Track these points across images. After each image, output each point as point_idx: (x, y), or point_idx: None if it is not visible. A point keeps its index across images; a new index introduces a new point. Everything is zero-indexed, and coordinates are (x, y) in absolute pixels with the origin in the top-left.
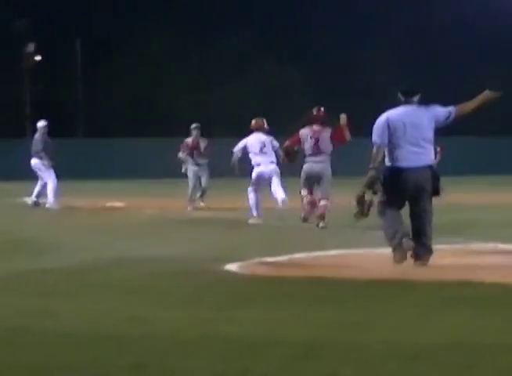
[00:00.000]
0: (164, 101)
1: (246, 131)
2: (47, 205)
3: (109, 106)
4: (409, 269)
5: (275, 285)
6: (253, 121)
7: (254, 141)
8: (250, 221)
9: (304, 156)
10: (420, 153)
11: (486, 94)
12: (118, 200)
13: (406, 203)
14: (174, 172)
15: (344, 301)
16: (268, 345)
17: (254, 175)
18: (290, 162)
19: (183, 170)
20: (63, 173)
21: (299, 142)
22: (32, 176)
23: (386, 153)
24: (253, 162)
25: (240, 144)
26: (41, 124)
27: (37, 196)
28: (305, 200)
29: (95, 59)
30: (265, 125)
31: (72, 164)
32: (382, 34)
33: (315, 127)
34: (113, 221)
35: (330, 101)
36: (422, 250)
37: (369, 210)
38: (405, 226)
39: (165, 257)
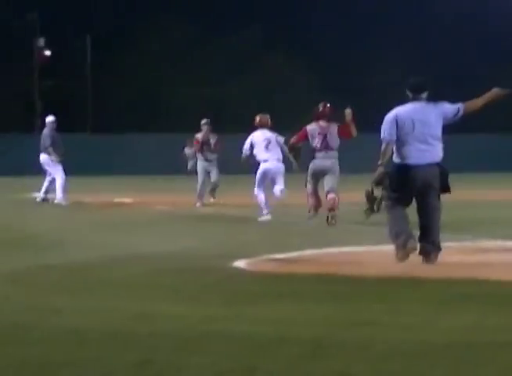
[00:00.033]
0: (173, 96)
1: (250, 128)
2: (55, 201)
3: (117, 102)
4: (418, 266)
5: (283, 282)
6: (257, 118)
7: (260, 138)
8: (260, 219)
9: (314, 151)
10: (428, 150)
11: (495, 91)
12: (126, 196)
13: (413, 200)
14: (182, 168)
15: (353, 299)
16: (276, 342)
17: (260, 171)
18: (293, 158)
19: (189, 167)
20: (72, 169)
21: (305, 138)
22: (42, 171)
23: (394, 150)
24: (259, 158)
25: (247, 143)
26: (49, 119)
27: (46, 192)
28: (309, 196)
29: (105, 55)
30: (269, 122)
31: (81, 159)
32: (390, 33)
33: (322, 123)
34: (120, 217)
35: (338, 98)
36: (430, 247)
37: (379, 206)
38: (411, 228)
39: (172, 253)
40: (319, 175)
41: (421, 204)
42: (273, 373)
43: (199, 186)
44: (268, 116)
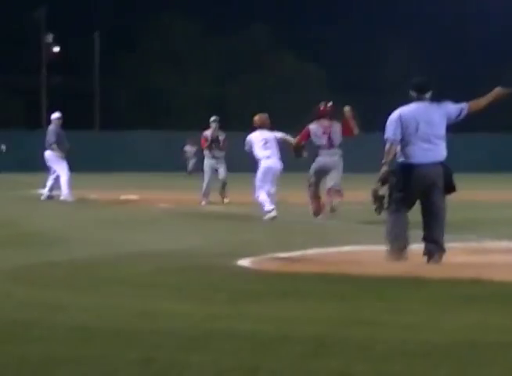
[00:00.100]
0: (180, 94)
1: (250, 128)
2: (61, 198)
3: (125, 99)
4: (421, 266)
5: (287, 281)
6: (256, 117)
7: (258, 138)
8: (266, 217)
9: (317, 149)
10: (432, 150)
11: (498, 90)
12: (133, 193)
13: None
14: (182, 166)
15: (357, 298)
16: (279, 341)
17: (261, 169)
18: (296, 157)
19: (189, 167)
20: (78, 165)
21: (308, 137)
22: (47, 168)
23: (398, 150)
24: (260, 156)
25: (246, 144)
26: (55, 115)
27: (51, 190)
28: (310, 201)
29: (113, 52)
30: (268, 121)
31: (88, 155)
32: (401, 32)
33: (324, 122)
34: (125, 214)
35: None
36: (434, 247)
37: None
38: (409, 236)
39: (177, 251)
40: (322, 173)
41: (425, 204)
42: (276, 371)
43: (204, 185)
44: (266, 115)
